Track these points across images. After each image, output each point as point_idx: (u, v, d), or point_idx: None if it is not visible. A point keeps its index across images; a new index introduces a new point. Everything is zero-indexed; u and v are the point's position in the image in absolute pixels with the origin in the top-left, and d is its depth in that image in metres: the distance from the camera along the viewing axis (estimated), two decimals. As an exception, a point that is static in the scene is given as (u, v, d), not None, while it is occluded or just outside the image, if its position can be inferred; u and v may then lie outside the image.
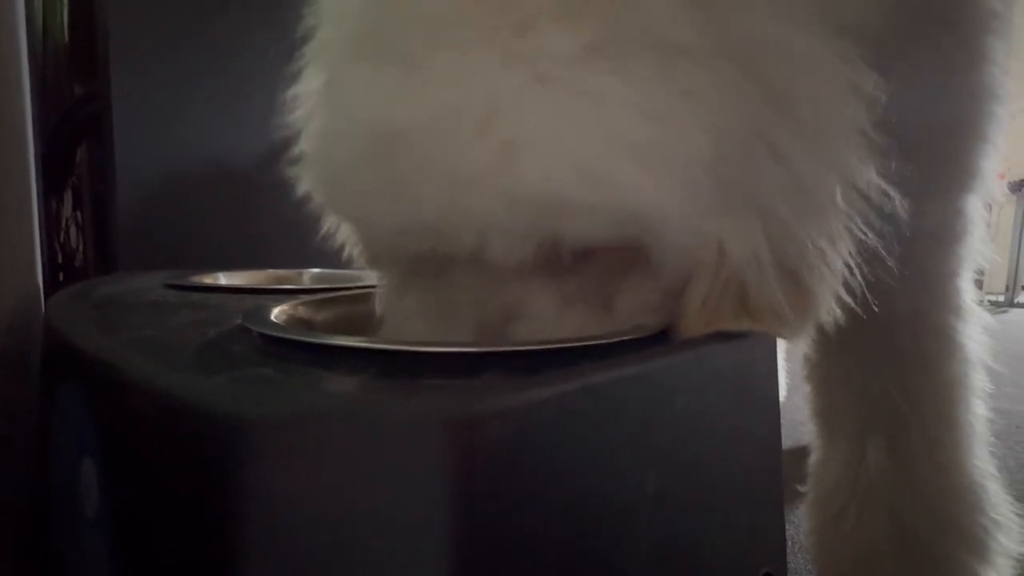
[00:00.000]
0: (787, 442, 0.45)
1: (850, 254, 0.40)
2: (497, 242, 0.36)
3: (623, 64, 0.34)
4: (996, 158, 0.55)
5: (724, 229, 0.38)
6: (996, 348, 0.61)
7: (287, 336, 0.37)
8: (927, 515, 0.60)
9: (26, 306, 0.66)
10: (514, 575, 0.28)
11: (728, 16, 0.37)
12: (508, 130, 0.33)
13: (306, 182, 0.44)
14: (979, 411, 0.60)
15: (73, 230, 1.40)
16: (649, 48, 0.35)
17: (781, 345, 0.56)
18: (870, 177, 0.40)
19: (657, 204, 0.35)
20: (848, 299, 0.42)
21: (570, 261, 0.38)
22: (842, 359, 0.62)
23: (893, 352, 0.59)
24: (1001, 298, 3.39)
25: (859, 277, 0.41)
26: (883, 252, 0.42)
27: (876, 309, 0.43)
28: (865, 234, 0.40)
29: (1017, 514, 0.61)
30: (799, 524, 0.71)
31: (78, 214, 1.39)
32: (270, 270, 0.83)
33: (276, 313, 0.44)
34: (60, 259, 1.38)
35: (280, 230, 1.13)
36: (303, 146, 0.44)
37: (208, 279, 0.73)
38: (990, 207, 0.59)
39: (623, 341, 0.37)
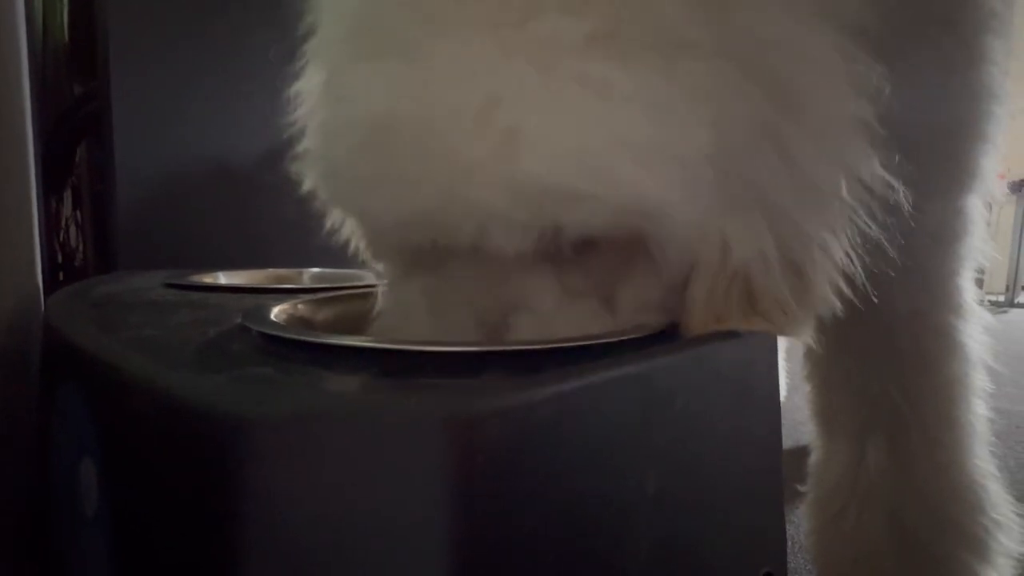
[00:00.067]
0: (787, 442, 0.45)
1: (851, 245, 0.40)
2: (498, 232, 0.35)
3: (626, 56, 0.34)
4: (996, 158, 0.55)
5: (728, 225, 0.38)
6: (996, 348, 0.61)
7: (287, 335, 0.37)
8: (927, 515, 0.60)
9: (26, 305, 0.66)
10: (514, 573, 0.28)
11: (732, 13, 0.37)
12: (509, 120, 0.33)
13: (309, 178, 0.44)
14: (979, 411, 0.60)
15: (73, 229, 1.40)
16: (653, 41, 0.35)
17: (781, 345, 0.56)
18: (873, 170, 0.40)
19: (658, 196, 0.35)
20: (848, 291, 0.42)
21: (571, 253, 0.38)
22: (842, 359, 0.62)
23: (893, 352, 0.59)
24: (1001, 298, 3.39)
25: (859, 269, 0.41)
26: (885, 243, 0.42)
27: (876, 301, 0.43)
28: (868, 226, 0.40)
29: (1017, 514, 0.61)
30: (799, 524, 0.71)
31: (78, 213, 1.39)
32: (270, 269, 0.83)
33: (276, 312, 0.44)
34: (60, 258, 1.38)
35: (280, 230, 1.13)
36: (305, 143, 0.44)
37: (208, 278, 0.73)
38: (990, 207, 0.59)
39: (623, 341, 0.36)
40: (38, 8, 1.28)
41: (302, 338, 0.37)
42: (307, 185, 0.44)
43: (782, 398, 0.54)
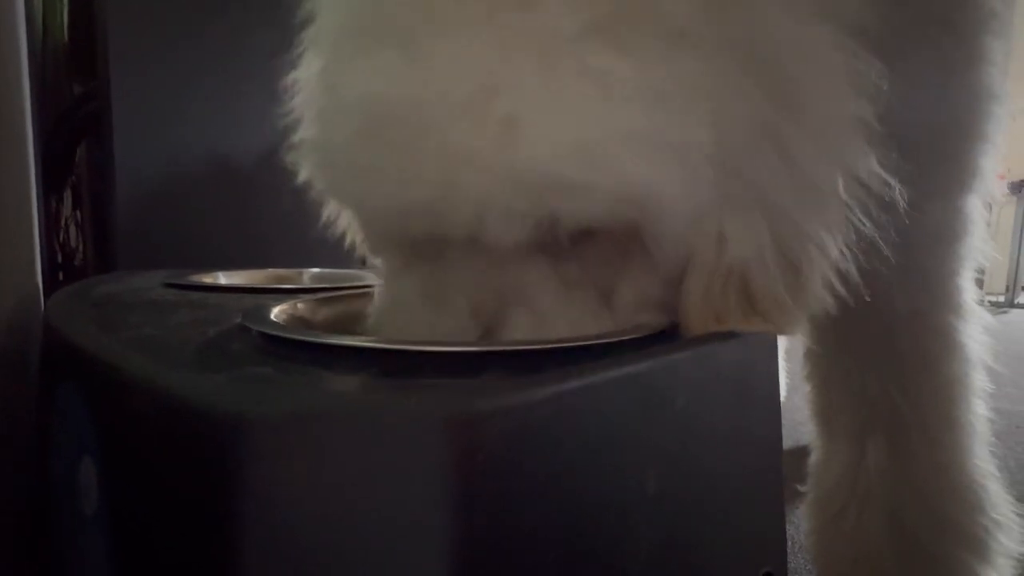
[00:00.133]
0: (787, 442, 0.45)
1: (846, 244, 0.40)
2: (495, 222, 0.35)
3: (626, 47, 0.34)
4: (996, 158, 0.55)
5: (725, 221, 0.38)
6: (996, 348, 0.61)
7: (287, 335, 0.37)
8: (927, 515, 0.60)
9: (25, 305, 0.66)
10: (514, 573, 0.28)
11: (734, 8, 0.37)
12: (507, 109, 0.33)
13: (305, 168, 0.43)
14: (979, 411, 0.60)
15: (72, 229, 1.40)
16: (654, 32, 0.35)
17: (781, 345, 0.55)
18: (871, 167, 0.39)
19: (655, 188, 0.35)
20: (842, 290, 0.42)
21: (568, 244, 0.38)
22: (842, 359, 0.62)
23: (893, 352, 0.59)
24: (1001, 298, 3.39)
25: (854, 267, 0.41)
26: (880, 242, 0.42)
27: (869, 300, 0.43)
28: (863, 224, 0.40)
29: (1017, 514, 0.61)
30: (799, 524, 0.71)
31: (77, 213, 1.39)
32: (270, 269, 0.83)
33: (276, 312, 0.44)
34: (59, 258, 1.38)
35: (280, 229, 1.14)
36: (301, 132, 0.44)
37: (208, 278, 0.73)
38: (990, 207, 0.59)
39: (623, 341, 0.36)
40: (38, 8, 1.28)
41: (302, 338, 0.37)
42: (303, 175, 0.44)
43: (782, 398, 0.54)
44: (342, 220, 0.54)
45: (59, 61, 1.31)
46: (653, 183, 0.35)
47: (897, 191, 0.40)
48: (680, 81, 0.35)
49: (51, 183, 1.27)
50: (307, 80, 0.44)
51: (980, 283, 0.60)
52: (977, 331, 0.59)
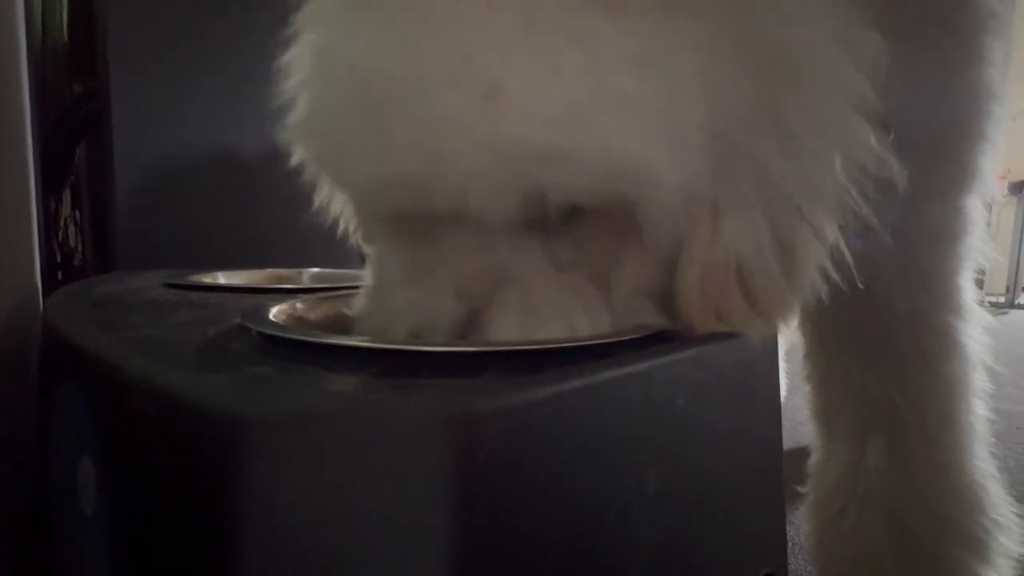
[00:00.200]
0: (787, 442, 0.45)
1: (842, 228, 0.39)
2: (479, 194, 0.34)
3: (616, 10, 0.33)
4: (996, 159, 0.55)
5: (719, 196, 0.37)
6: (997, 349, 0.61)
7: (286, 335, 0.37)
8: (927, 515, 0.59)
9: (25, 305, 0.66)
10: (514, 573, 0.28)
11: None
12: (490, 74, 0.32)
13: (295, 143, 0.42)
14: (979, 411, 0.60)
15: (72, 229, 1.40)
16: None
17: (781, 345, 0.55)
18: (871, 146, 0.38)
19: (644, 158, 0.34)
20: (835, 275, 0.40)
21: (559, 223, 0.37)
22: (842, 359, 0.62)
23: (893, 352, 0.59)
24: (1002, 299, 3.40)
25: (849, 252, 0.40)
26: (878, 225, 0.41)
27: (865, 292, 0.42)
28: (861, 207, 0.39)
29: (1017, 515, 0.61)
30: (799, 525, 0.71)
31: (77, 213, 1.39)
32: (269, 269, 0.83)
33: (275, 312, 0.44)
34: (59, 258, 1.38)
35: (280, 229, 1.14)
36: (293, 113, 0.43)
37: (207, 278, 0.73)
38: (990, 208, 0.59)
39: (624, 340, 0.36)
40: (37, 8, 1.28)
41: (301, 338, 0.37)
42: (295, 152, 0.43)
43: (782, 398, 0.54)
44: (335, 206, 0.53)
45: (59, 61, 1.30)
46: (642, 153, 0.34)
47: (896, 169, 0.39)
48: (672, 48, 0.34)
49: (50, 183, 1.27)
50: (299, 59, 0.43)
51: (980, 284, 0.60)
52: (977, 331, 0.59)
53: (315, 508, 0.25)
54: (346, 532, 0.25)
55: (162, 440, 0.29)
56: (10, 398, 0.60)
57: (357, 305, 0.44)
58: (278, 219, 1.14)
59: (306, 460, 0.24)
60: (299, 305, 0.48)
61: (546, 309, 0.38)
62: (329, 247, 0.57)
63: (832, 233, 0.39)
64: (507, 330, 0.37)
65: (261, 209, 1.16)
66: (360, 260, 0.52)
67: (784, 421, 0.42)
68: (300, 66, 0.42)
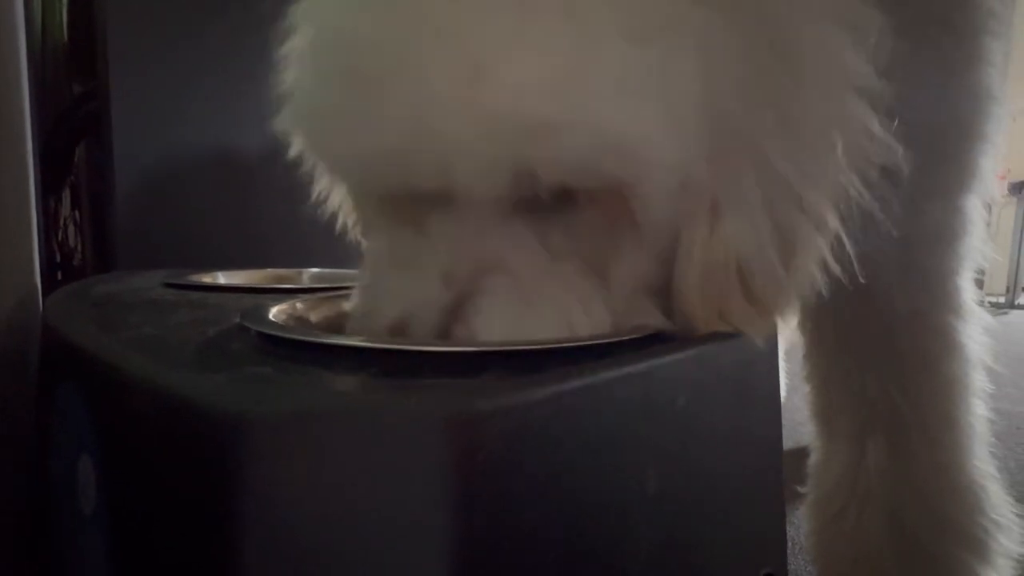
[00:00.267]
0: (787, 443, 0.45)
1: (842, 215, 0.38)
2: (465, 169, 0.33)
3: None
4: (996, 159, 0.55)
5: (718, 187, 0.36)
6: (997, 349, 0.61)
7: (286, 335, 0.37)
8: (927, 515, 0.60)
9: (24, 305, 0.66)
10: (514, 573, 0.28)
11: None
12: (477, 45, 0.32)
13: (287, 127, 0.41)
14: (979, 411, 0.60)
15: (71, 229, 1.40)
16: None
17: (781, 345, 0.55)
18: (872, 128, 0.37)
19: (635, 132, 0.33)
20: (836, 269, 0.39)
21: (550, 206, 0.36)
22: (842, 359, 0.62)
23: (893, 352, 0.59)
24: (1002, 299, 3.40)
25: (850, 243, 0.39)
26: (879, 214, 0.39)
27: (865, 283, 0.40)
28: (862, 195, 0.38)
29: (1017, 515, 0.61)
30: (799, 525, 0.71)
31: (76, 213, 1.38)
32: (269, 269, 0.83)
33: (275, 312, 0.44)
34: (58, 258, 1.38)
35: (280, 229, 1.14)
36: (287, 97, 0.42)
37: (207, 278, 0.73)
38: (990, 208, 0.59)
39: (624, 340, 0.36)
40: (37, 7, 1.28)
41: (301, 338, 0.37)
42: (289, 138, 0.42)
43: (782, 398, 0.54)
44: (334, 198, 0.53)
45: (58, 61, 1.30)
46: (632, 128, 0.33)
47: (900, 154, 0.38)
48: (668, 25, 0.33)
49: (50, 183, 1.27)
50: (295, 50, 0.42)
51: (980, 284, 0.60)
52: (977, 331, 0.59)
53: (315, 508, 0.25)
54: (346, 532, 0.25)
55: (162, 440, 0.29)
56: (10, 398, 0.60)
57: (352, 297, 0.43)
58: (278, 219, 1.14)
59: (306, 460, 0.24)
60: (299, 305, 0.48)
61: (534, 296, 0.37)
62: (329, 247, 0.57)
63: (834, 225, 0.38)
64: (494, 316, 0.36)
65: (261, 209, 1.16)
66: (360, 259, 0.52)
67: (784, 421, 0.42)
68: (296, 57, 0.42)
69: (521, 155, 0.33)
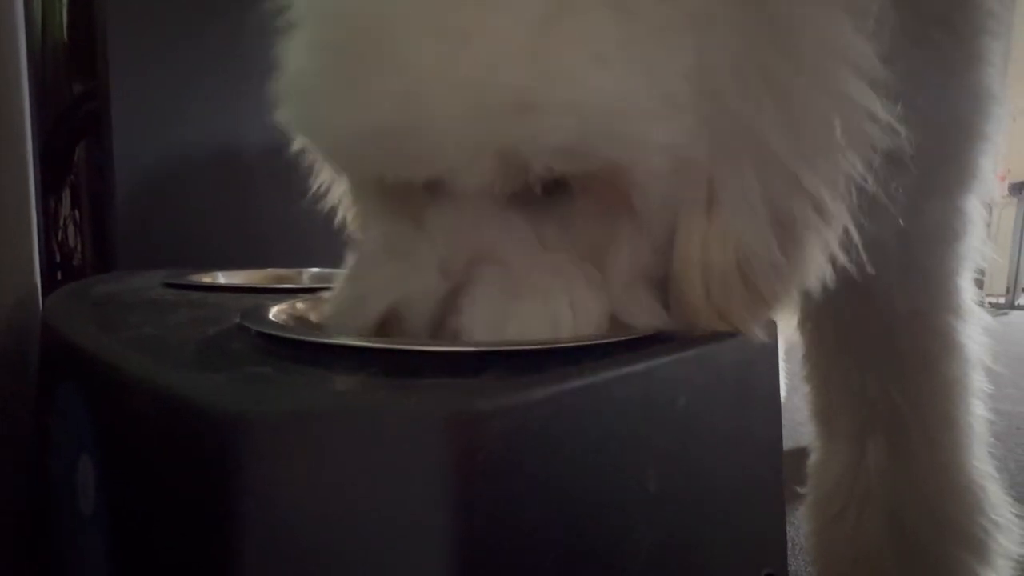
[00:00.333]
0: (787, 443, 0.45)
1: (848, 203, 0.37)
2: (452, 152, 0.33)
3: None
4: (996, 159, 0.55)
5: (713, 162, 0.35)
6: (996, 350, 0.61)
7: (286, 335, 0.37)
8: (927, 515, 0.60)
9: (24, 305, 0.66)
10: (514, 573, 0.28)
11: None
12: (461, 23, 0.31)
13: (282, 111, 0.40)
14: (979, 412, 0.60)
15: (71, 229, 1.40)
16: None
17: (781, 345, 0.55)
18: (874, 111, 0.36)
19: (626, 114, 0.32)
20: (843, 258, 0.38)
21: (543, 195, 0.36)
22: (842, 359, 0.62)
23: (893, 352, 0.59)
24: (1002, 300, 3.40)
25: (856, 234, 0.38)
26: (886, 201, 0.38)
27: (872, 271, 0.39)
28: (866, 180, 0.37)
29: (1017, 515, 0.61)
30: (799, 525, 0.71)
31: (76, 213, 1.38)
32: (269, 269, 0.83)
33: (275, 312, 0.44)
34: (58, 258, 1.38)
35: (280, 229, 1.14)
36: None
37: (207, 278, 0.73)
38: (990, 209, 0.59)
39: (624, 340, 0.36)
40: (37, 7, 1.28)
41: (301, 337, 0.37)
42: (283, 118, 0.41)
43: (782, 399, 0.54)
44: (334, 192, 0.52)
45: (58, 60, 1.30)
46: (624, 108, 0.32)
47: (904, 136, 0.37)
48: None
49: (50, 183, 1.27)
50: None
51: (980, 284, 0.60)
52: (977, 332, 0.59)
53: (315, 508, 0.25)
54: (346, 532, 0.25)
55: (162, 440, 0.29)
56: (10, 398, 0.60)
57: (335, 286, 0.42)
58: (278, 219, 1.14)
59: (306, 460, 0.24)
60: (299, 305, 0.48)
61: (527, 286, 0.36)
62: (329, 247, 0.57)
63: (835, 208, 0.37)
64: (486, 306, 0.36)
65: (261, 209, 1.16)
66: (350, 250, 0.52)
67: (784, 421, 0.42)
68: (287, 41, 0.41)
69: (505, 135, 0.32)
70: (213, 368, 0.34)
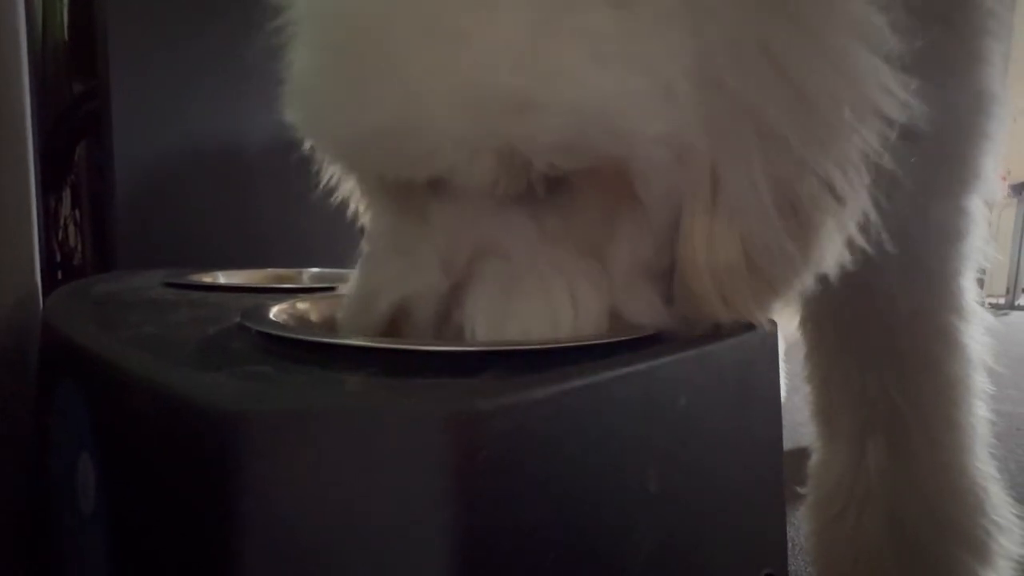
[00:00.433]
0: (787, 444, 0.45)
1: (859, 182, 0.36)
2: (451, 152, 0.33)
3: None
4: (998, 159, 0.55)
5: (717, 158, 0.34)
6: (997, 350, 0.61)
7: (286, 334, 0.37)
8: (927, 516, 0.59)
9: (24, 304, 0.66)
10: (515, 573, 0.28)
11: None
12: (457, 23, 0.31)
13: (288, 112, 0.40)
14: (980, 412, 0.60)
15: (72, 228, 1.40)
16: None
17: (781, 345, 0.55)
18: (887, 85, 0.35)
19: (624, 107, 0.32)
20: (861, 239, 0.37)
21: (544, 191, 0.36)
22: (843, 359, 0.62)
23: (894, 352, 0.59)
24: (1002, 300, 3.40)
25: (874, 213, 0.36)
26: (910, 168, 0.36)
27: (904, 240, 0.38)
28: (881, 157, 0.36)
29: (1018, 516, 0.61)
30: (799, 526, 0.71)
31: (77, 212, 1.38)
32: (269, 269, 0.83)
33: (275, 312, 0.44)
34: (58, 257, 1.38)
35: (280, 229, 1.14)
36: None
37: (207, 278, 0.73)
38: (990, 209, 0.59)
39: (625, 340, 0.36)
40: (38, 7, 1.28)
41: (301, 337, 0.37)
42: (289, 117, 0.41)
43: (782, 399, 0.53)
44: (344, 186, 0.53)
45: (59, 60, 1.30)
46: (622, 103, 0.32)
47: (917, 111, 0.35)
48: None
49: (50, 182, 1.27)
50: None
51: (980, 285, 0.60)
52: (978, 332, 0.59)
53: (315, 507, 0.24)
54: (346, 531, 0.25)
55: (162, 439, 0.29)
56: (10, 398, 0.60)
57: (352, 279, 0.42)
58: (278, 219, 1.15)
59: (306, 459, 0.24)
60: (299, 305, 0.48)
61: (528, 281, 0.36)
62: (329, 247, 0.57)
63: (850, 189, 0.36)
64: (487, 301, 0.36)
65: (261, 209, 1.16)
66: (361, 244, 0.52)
67: (784, 421, 0.42)
68: (290, 40, 0.41)
69: (503, 134, 0.32)
70: (213, 367, 0.34)
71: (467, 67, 0.31)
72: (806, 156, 0.35)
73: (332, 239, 0.55)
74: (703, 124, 0.34)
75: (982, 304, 0.60)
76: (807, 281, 0.38)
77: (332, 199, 0.53)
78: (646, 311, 0.38)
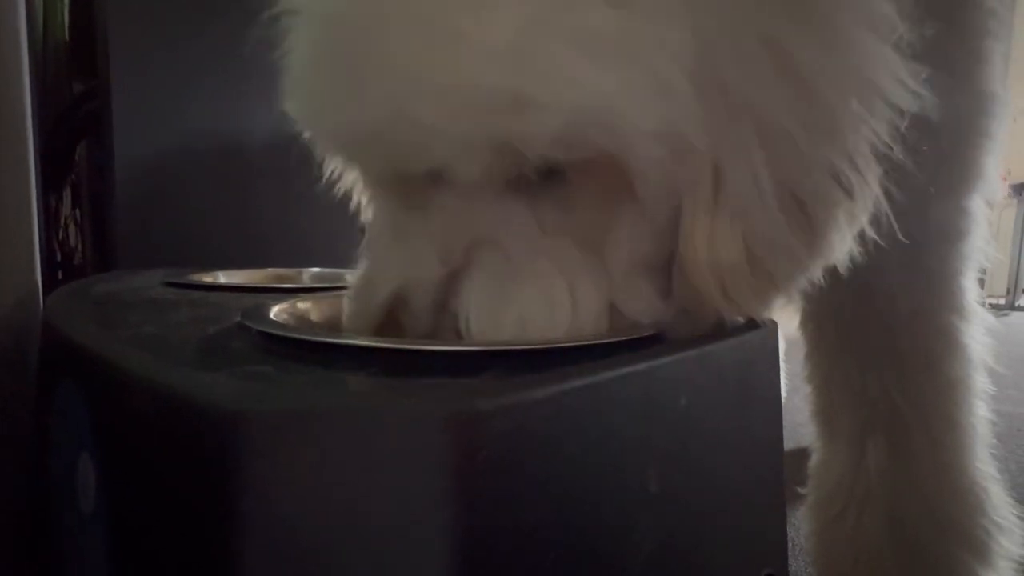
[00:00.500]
0: (787, 444, 0.45)
1: (868, 175, 0.35)
2: (446, 147, 0.33)
3: None
4: (998, 159, 0.55)
5: (718, 152, 0.34)
6: (998, 350, 0.61)
7: (287, 334, 0.37)
8: (928, 516, 0.59)
9: (25, 304, 0.66)
10: (515, 573, 0.28)
11: None
12: (451, 19, 0.31)
13: (288, 108, 0.40)
14: (981, 412, 0.60)
15: (72, 228, 1.40)
16: None
17: (781, 345, 0.55)
18: (896, 74, 0.34)
19: (619, 103, 0.32)
20: (871, 231, 0.36)
21: (540, 182, 0.36)
22: (843, 359, 0.62)
23: (894, 352, 0.59)
24: (1002, 301, 3.40)
25: (886, 205, 0.36)
26: (911, 168, 0.36)
27: (905, 240, 0.37)
28: (891, 148, 0.35)
29: (1018, 517, 0.61)
30: (799, 526, 0.71)
31: (77, 212, 1.39)
32: (269, 269, 0.83)
33: (276, 311, 0.44)
34: (59, 257, 1.38)
35: (280, 229, 1.14)
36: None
37: (207, 277, 0.73)
38: (991, 209, 0.59)
39: (626, 340, 0.36)
40: (38, 7, 1.28)
41: (301, 337, 0.37)
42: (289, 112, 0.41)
43: (783, 399, 0.53)
44: (346, 178, 0.53)
45: (59, 60, 1.31)
46: (617, 100, 0.31)
47: (927, 99, 0.35)
48: None
49: (51, 182, 1.27)
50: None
51: (981, 285, 0.60)
52: (979, 332, 0.59)
53: (315, 507, 0.24)
54: (346, 531, 0.25)
55: (162, 438, 0.29)
56: (10, 398, 0.60)
57: (357, 268, 0.43)
58: (278, 219, 1.14)
59: (306, 459, 0.24)
60: (299, 304, 0.48)
61: (525, 270, 0.36)
62: (329, 247, 0.57)
63: (859, 181, 0.35)
64: (484, 290, 0.36)
65: (261, 209, 1.16)
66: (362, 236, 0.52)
67: (784, 422, 0.42)
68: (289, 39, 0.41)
69: (497, 129, 0.32)
70: (214, 367, 0.34)
71: (464, 64, 0.31)
72: (811, 150, 0.34)
73: (332, 239, 0.55)
74: (703, 122, 0.34)
75: (982, 304, 0.60)
76: (814, 275, 0.38)
77: (334, 192, 0.53)
78: (644, 304, 0.38)
